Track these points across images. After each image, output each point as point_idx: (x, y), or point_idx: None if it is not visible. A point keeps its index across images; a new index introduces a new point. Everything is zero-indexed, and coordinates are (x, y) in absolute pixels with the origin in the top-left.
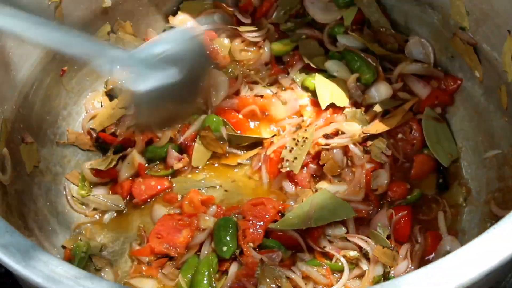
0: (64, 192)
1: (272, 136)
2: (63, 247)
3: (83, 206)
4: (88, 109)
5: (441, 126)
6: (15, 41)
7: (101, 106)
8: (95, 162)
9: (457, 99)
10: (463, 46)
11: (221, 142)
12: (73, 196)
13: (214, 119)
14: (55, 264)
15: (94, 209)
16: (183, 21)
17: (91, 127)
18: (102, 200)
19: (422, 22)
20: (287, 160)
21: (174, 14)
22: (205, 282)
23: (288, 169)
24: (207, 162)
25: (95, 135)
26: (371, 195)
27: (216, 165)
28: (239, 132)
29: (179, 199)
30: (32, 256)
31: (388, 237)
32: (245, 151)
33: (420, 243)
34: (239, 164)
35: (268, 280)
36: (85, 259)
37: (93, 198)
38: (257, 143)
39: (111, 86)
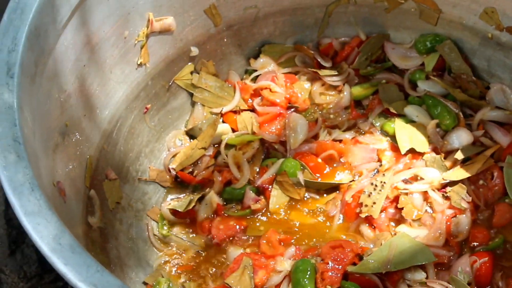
0: (146, 230)
1: (350, 182)
2: (144, 283)
3: (164, 244)
4: (169, 147)
5: None
6: (101, 80)
7: (181, 144)
8: (174, 203)
9: None
10: None
11: (298, 187)
12: (154, 234)
13: (292, 163)
14: None
15: (175, 247)
16: (264, 65)
17: (171, 166)
18: (183, 240)
19: (505, 67)
20: (365, 205)
21: (256, 56)
22: None
23: (367, 214)
24: (284, 205)
25: (174, 174)
26: (451, 241)
27: (293, 208)
28: (317, 175)
29: (249, 242)
30: None
31: (469, 283)
32: (322, 196)
33: None
34: (316, 207)
35: None
36: None
37: (175, 237)
38: (335, 187)
39: (192, 126)
